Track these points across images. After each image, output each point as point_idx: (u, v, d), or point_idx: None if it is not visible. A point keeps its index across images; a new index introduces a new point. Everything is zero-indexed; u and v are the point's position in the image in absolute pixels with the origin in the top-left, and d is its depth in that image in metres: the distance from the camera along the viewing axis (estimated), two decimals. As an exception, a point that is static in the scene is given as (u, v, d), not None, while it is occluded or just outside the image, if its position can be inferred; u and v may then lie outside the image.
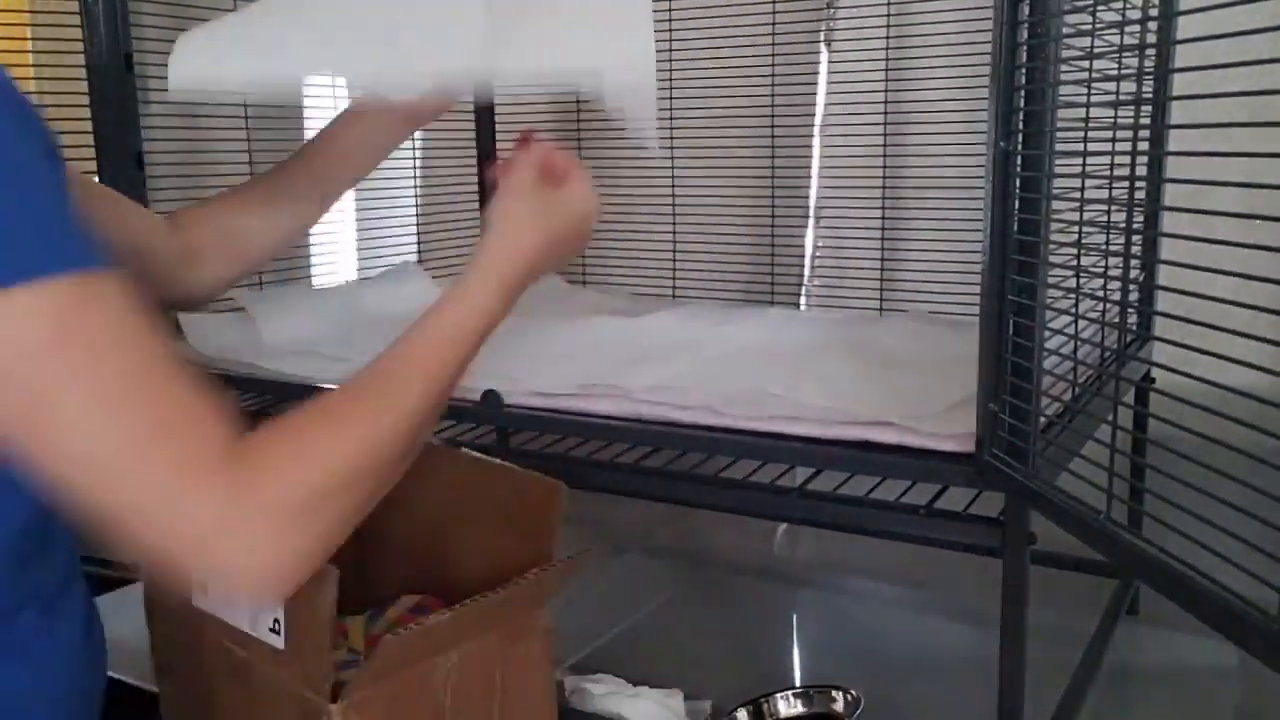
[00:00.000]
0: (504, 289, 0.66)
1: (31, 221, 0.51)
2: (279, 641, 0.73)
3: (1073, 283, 0.80)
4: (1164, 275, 1.04)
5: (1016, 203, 0.76)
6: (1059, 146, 0.75)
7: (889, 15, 1.45)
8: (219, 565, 0.55)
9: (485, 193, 1.74)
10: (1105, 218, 0.92)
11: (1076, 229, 0.80)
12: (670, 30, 1.58)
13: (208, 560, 0.54)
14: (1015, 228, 0.76)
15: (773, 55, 1.54)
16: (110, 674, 0.75)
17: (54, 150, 0.55)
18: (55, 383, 0.51)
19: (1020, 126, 0.75)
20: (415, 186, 1.70)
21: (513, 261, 0.66)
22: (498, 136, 1.74)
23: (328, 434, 0.57)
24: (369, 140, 0.87)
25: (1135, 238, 1.05)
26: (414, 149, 1.68)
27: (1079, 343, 0.82)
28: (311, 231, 1.09)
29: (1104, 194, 0.90)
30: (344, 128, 0.86)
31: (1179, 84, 0.87)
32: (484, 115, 1.72)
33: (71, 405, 0.52)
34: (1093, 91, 0.80)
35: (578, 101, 1.72)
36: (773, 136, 1.57)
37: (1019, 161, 0.75)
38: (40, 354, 0.51)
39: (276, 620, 0.73)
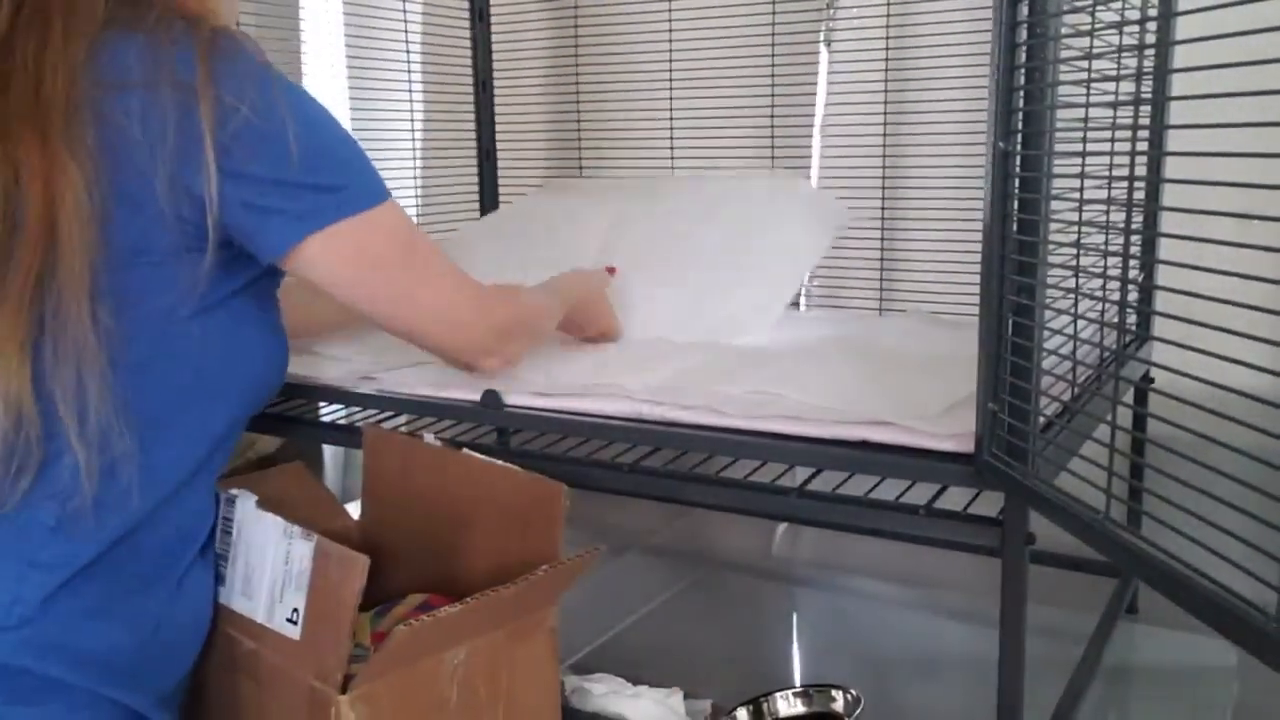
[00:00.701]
0: (563, 299, 1.13)
1: (369, 164, 0.82)
2: (295, 632, 0.73)
3: (1072, 283, 0.80)
4: (1163, 275, 1.04)
5: (1016, 203, 0.76)
6: (1058, 147, 0.75)
7: (889, 15, 1.45)
8: (499, 357, 0.99)
9: (484, 193, 1.75)
10: (1104, 218, 0.92)
11: (1075, 229, 0.81)
12: (670, 30, 1.58)
13: (495, 355, 0.99)
14: (1014, 228, 0.76)
15: (772, 55, 1.54)
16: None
17: None
18: (422, 262, 0.87)
19: (1019, 126, 0.75)
20: (416, 187, 1.70)
21: (573, 291, 1.17)
22: (497, 132, 1.75)
23: (524, 311, 1.04)
24: None
25: (1134, 238, 1.05)
26: (414, 150, 1.69)
27: (1078, 343, 0.82)
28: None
29: (1103, 194, 0.90)
30: None
31: (1178, 84, 0.87)
32: (484, 117, 1.73)
33: (434, 275, 0.88)
34: (1092, 92, 0.80)
35: (578, 103, 1.73)
36: (773, 136, 1.57)
37: (1018, 161, 0.75)
38: (408, 244, 0.85)
39: (296, 610, 0.73)
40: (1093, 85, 0.80)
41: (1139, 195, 1.05)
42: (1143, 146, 0.99)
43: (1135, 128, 0.94)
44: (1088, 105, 0.79)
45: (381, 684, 0.71)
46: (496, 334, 0.97)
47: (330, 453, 1.72)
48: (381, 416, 1.14)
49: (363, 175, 0.80)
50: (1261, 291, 0.56)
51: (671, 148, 1.63)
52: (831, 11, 1.52)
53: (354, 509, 1.03)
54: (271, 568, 0.76)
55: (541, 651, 0.83)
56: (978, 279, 0.79)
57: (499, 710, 0.80)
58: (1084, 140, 0.79)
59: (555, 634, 0.84)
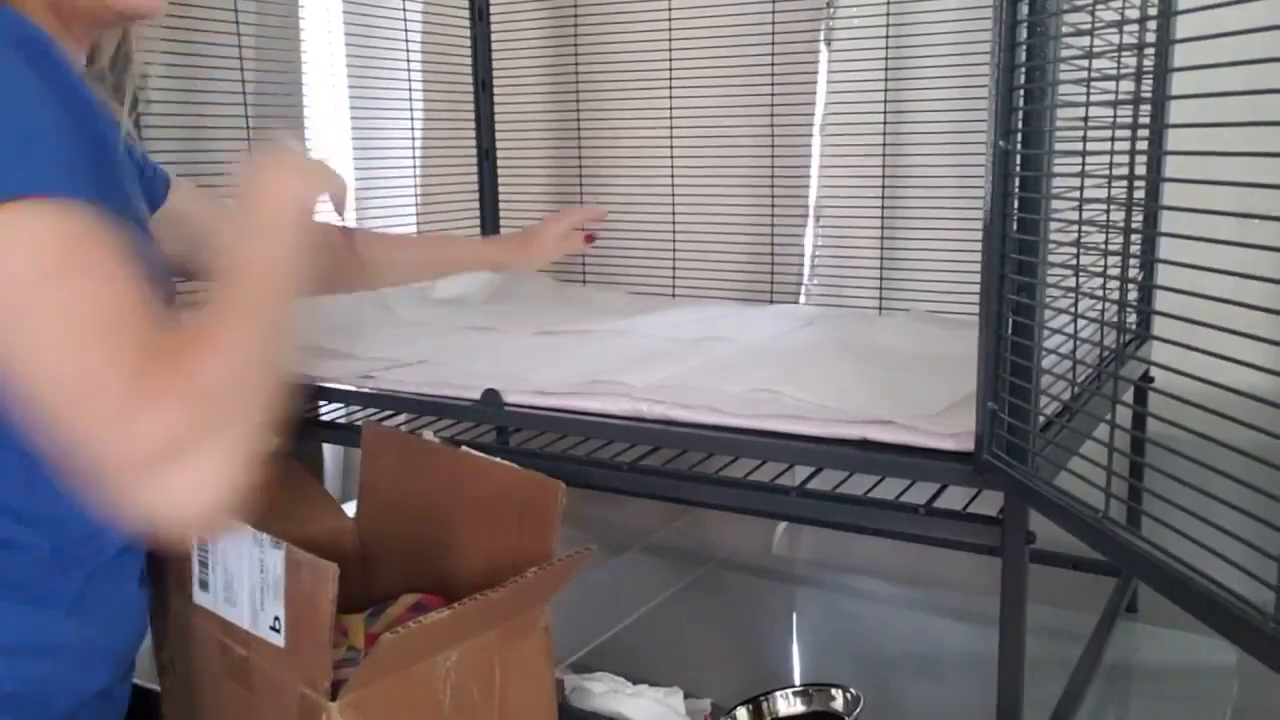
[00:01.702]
0: (266, 233, 0.69)
1: (31, 147, 0.56)
2: (279, 640, 0.73)
3: (1072, 282, 0.80)
4: (1163, 274, 1.03)
5: (1016, 202, 0.76)
6: (1058, 146, 0.75)
7: (888, 15, 1.45)
8: (160, 485, 0.56)
9: (484, 193, 1.75)
10: (1104, 217, 0.92)
11: (1075, 228, 0.81)
12: (670, 30, 1.58)
13: (154, 480, 0.56)
14: (1014, 227, 0.76)
15: (772, 55, 1.54)
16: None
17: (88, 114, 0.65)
18: (65, 297, 0.56)
19: (1019, 126, 0.75)
20: (415, 179, 1.70)
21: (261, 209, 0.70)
22: (497, 132, 1.75)
23: (206, 377, 0.60)
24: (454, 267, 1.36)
25: (1134, 237, 1.05)
26: (412, 140, 1.68)
27: (1078, 342, 0.82)
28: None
29: (1103, 193, 0.90)
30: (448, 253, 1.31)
31: (1178, 83, 0.87)
32: (484, 116, 1.73)
33: (78, 316, 0.56)
34: (1092, 91, 0.80)
35: (578, 103, 1.73)
36: (773, 136, 1.57)
37: (1018, 161, 0.76)
38: (48, 267, 0.56)
39: (277, 618, 0.73)
40: (1093, 84, 0.80)
41: (1139, 194, 1.05)
42: (1143, 145, 0.99)
43: (1135, 127, 0.94)
44: (1088, 104, 0.79)
45: (372, 691, 0.71)
46: (160, 440, 0.56)
47: (330, 452, 1.72)
48: (381, 415, 1.14)
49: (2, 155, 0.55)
50: (1261, 291, 0.56)
51: (671, 147, 1.63)
52: (831, 11, 1.52)
53: (351, 508, 1.03)
54: (249, 576, 0.75)
55: (535, 651, 0.83)
56: (978, 278, 0.79)
57: (493, 711, 0.79)
58: (1084, 139, 0.79)
59: (549, 633, 0.84)
